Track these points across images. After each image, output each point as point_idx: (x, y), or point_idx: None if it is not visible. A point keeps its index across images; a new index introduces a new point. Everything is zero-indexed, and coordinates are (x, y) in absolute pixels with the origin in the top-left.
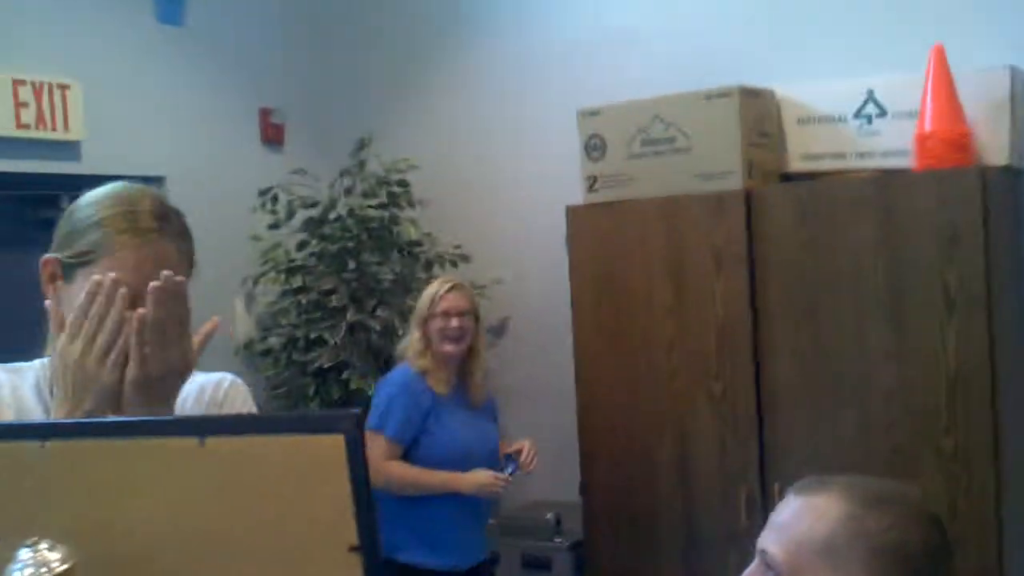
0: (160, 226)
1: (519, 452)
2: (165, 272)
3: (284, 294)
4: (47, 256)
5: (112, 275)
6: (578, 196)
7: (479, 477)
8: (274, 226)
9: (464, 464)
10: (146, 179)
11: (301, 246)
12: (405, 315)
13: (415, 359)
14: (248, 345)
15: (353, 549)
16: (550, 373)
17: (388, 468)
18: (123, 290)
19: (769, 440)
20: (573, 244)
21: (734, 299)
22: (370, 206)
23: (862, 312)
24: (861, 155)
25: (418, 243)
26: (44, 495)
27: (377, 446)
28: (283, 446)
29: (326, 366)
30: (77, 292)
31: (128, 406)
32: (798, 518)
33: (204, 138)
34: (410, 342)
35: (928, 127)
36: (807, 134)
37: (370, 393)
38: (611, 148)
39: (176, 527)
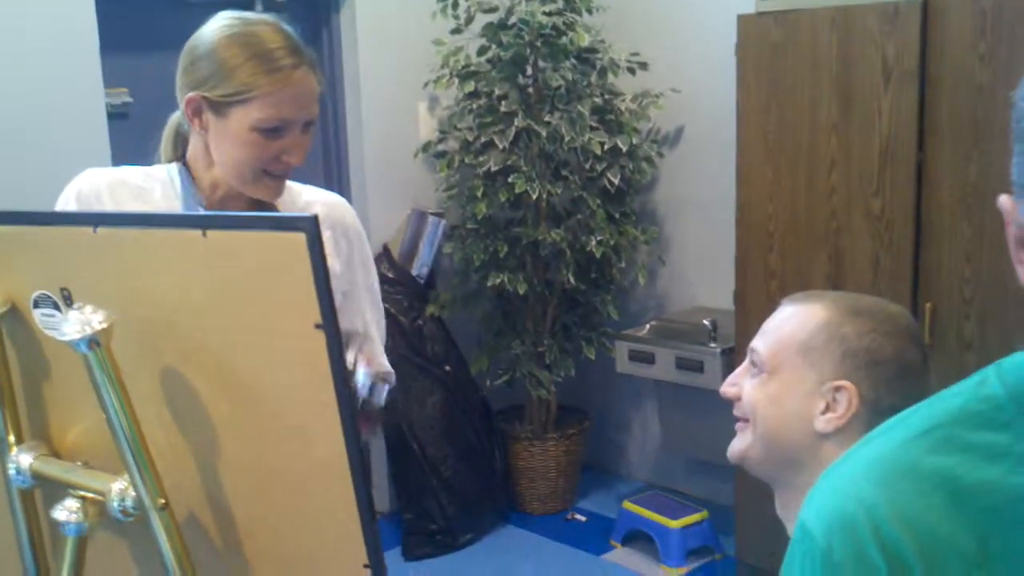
0: (296, 61)
1: None
2: None
3: (461, 99)
4: (192, 94)
5: None
6: (751, 4)
7: None
8: (455, 31)
9: None
10: None
11: (481, 51)
12: (574, 121)
13: None
14: (427, 146)
15: (318, 326)
16: (715, 182)
17: None
18: None
19: (925, 262)
20: (742, 55)
21: (901, 116)
22: (544, 12)
23: None
24: None
25: (592, 50)
26: (91, 270)
27: None
28: (264, 239)
29: (494, 169)
30: (234, 128)
31: None
32: (785, 322)
33: None
34: None
35: None
36: None
37: (535, 197)
38: None
39: (187, 299)
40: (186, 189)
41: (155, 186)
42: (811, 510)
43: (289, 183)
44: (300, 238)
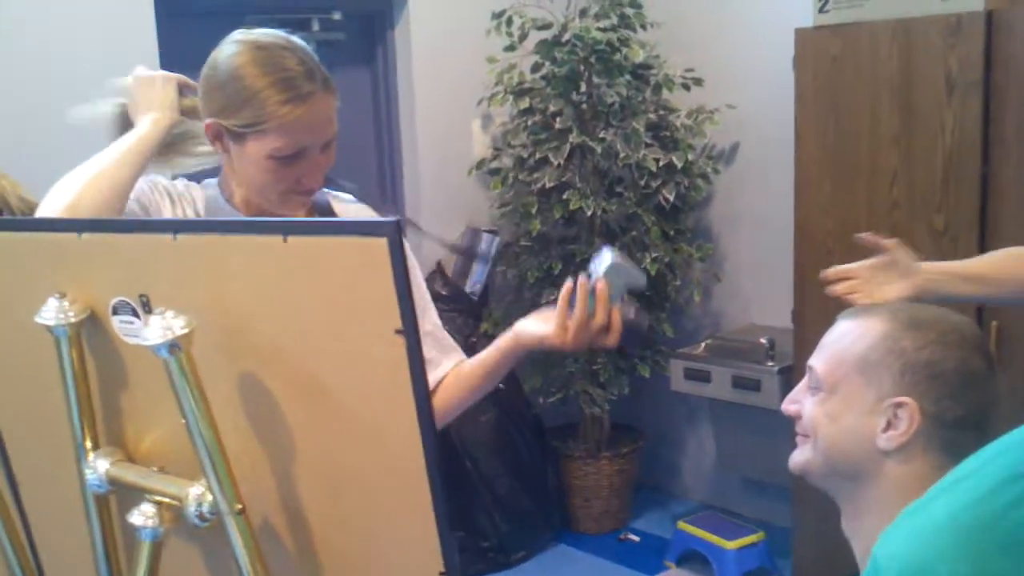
0: (311, 88)
1: None
2: None
3: (515, 115)
4: (210, 120)
5: None
6: (808, 18)
7: None
8: (509, 48)
9: None
10: (391, 2)
11: (535, 68)
12: (629, 138)
13: None
14: (480, 164)
15: (398, 332)
16: (772, 198)
17: None
18: None
19: None
20: (800, 68)
21: (965, 129)
22: (598, 28)
23: None
24: None
25: (647, 66)
26: (170, 277)
27: None
28: (345, 245)
29: (549, 186)
30: (252, 155)
31: None
32: (842, 337)
33: None
34: None
35: None
36: None
37: (589, 214)
38: None
39: (266, 304)
40: (221, 206)
41: (198, 197)
42: (887, 548)
43: (326, 192)
44: (382, 243)
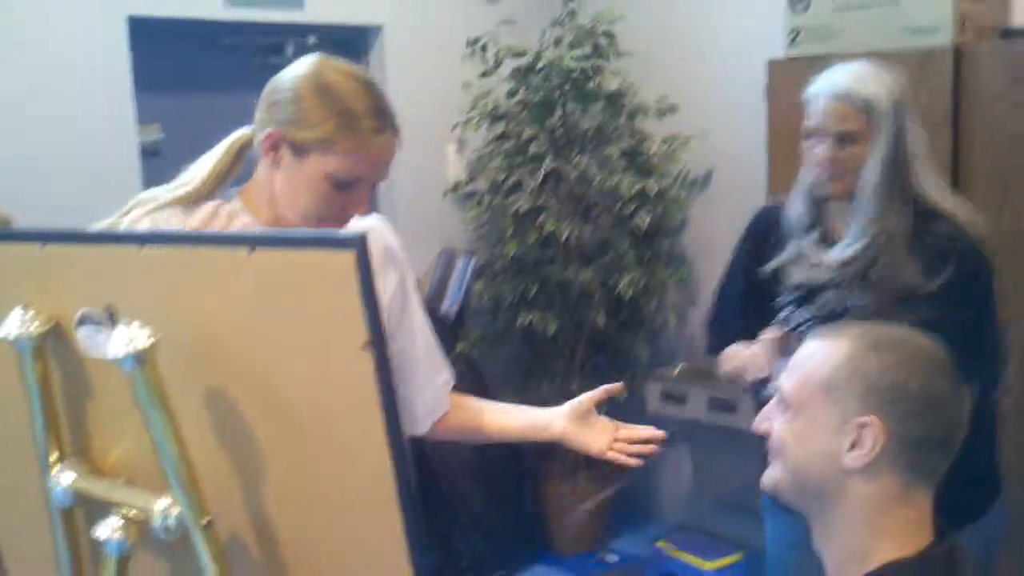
0: (380, 124)
1: None
2: None
3: (491, 140)
4: (273, 130)
5: None
6: (780, 50)
7: None
8: (484, 74)
9: None
10: (365, 28)
11: (510, 94)
12: (603, 164)
13: None
14: (456, 187)
15: (365, 346)
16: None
17: None
18: None
19: None
20: (772, 99)
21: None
22: (572, 57)
23: None
24: None
25: (621, 93)
26: (136, 289)
27: None
28: (311, 258)
29: (524, 210)
30: (309, 173)
31: None
32: (810, 358)
33: None
34: None
35: None
36: None
37: (564, 237)
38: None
39: (233, 318)
40: (245, 224)
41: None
42: None
43: None
44: (349, 257)
